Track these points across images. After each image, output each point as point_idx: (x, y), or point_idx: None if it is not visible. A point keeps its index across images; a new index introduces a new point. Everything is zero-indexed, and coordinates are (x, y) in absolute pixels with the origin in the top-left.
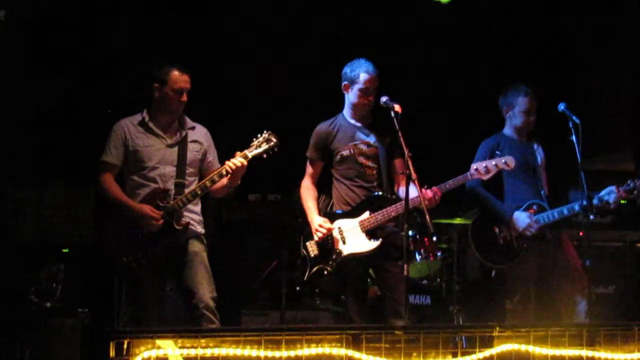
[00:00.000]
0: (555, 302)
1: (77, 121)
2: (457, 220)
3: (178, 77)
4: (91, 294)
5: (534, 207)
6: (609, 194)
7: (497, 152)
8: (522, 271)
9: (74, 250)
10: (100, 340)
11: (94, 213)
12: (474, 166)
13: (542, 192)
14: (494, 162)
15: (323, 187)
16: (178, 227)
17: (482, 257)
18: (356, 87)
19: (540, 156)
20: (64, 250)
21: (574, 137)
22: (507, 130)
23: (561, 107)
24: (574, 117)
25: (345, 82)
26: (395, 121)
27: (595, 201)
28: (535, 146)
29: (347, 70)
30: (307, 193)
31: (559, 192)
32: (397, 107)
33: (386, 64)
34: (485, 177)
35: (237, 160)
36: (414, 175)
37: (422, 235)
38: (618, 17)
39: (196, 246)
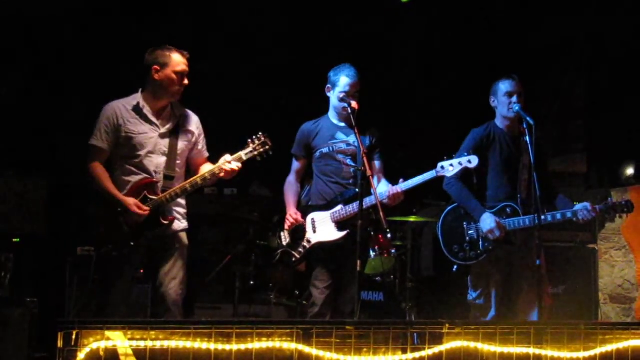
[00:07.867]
0: (516, 301)
1: (30, 111)
2: (412, 218)
3: (180, 60)
4: (42, 283)
5: (508, 210)
6: (583, 210)
7: (485, 144)
8: (484, 270)
9: (25, 240)
10: (48, 330)
11: (46, 203)
12: (440, 164)
13: (519, 196)
14: (458, 161)
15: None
16: (164, 222)
17: (446, 251)
18: (337, 90)
19: (531, 154)
20: (15, 240)
21: (527, 138)
22: (497, 121)
23: (516, 108)
24: (528, 118)
25: (329, 85)
26: (352, 117)
27: (568, 214)
28: (528, 141)
29: (331, 74)
30: (289, 188)
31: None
32: (353, 104)
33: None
34: (450, 175)
35: (235, 165)
36: (368, 172)
37: (376, 232)
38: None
39: (179, 241)
